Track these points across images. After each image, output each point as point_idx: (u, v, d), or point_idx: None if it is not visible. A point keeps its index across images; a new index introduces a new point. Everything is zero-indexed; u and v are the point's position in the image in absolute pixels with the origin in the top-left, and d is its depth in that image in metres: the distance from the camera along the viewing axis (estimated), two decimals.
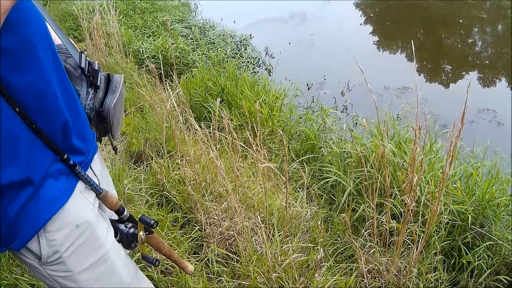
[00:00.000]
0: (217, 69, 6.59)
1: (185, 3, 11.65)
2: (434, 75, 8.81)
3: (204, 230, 3.61)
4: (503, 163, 4.25)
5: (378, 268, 3.20)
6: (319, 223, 3.33)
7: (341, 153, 4.41)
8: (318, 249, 3.11)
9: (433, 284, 3.30)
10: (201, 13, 11.11)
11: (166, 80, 5.68)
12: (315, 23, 11.04)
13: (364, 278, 3.21)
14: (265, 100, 5.61)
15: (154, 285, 2.30)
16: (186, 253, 3.50)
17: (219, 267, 3.34)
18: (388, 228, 3.18)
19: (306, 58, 9.11)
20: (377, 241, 3.30)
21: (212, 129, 3.55)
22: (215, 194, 3.73)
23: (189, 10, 11.31)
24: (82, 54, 1.70)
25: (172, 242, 3.46)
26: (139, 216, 1.80)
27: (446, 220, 3.39)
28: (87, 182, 1.55)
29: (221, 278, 3.28)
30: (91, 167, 1.67)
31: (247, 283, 3.14)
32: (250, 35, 9.63)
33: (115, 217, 1.79)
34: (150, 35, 8.90)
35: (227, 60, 7.50)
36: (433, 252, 3.33)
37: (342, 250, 3.51)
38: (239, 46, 8.90)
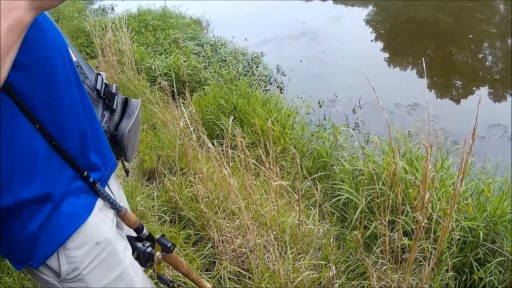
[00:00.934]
0: (229, 86, 6.62)
1: (196, 21, 11.70)
2: (445, 91, 8.79)
3: (217, 247, 3.62)
4: None
5: (390, 285, 3.20)
6: (331, 240, 3.33)
7: (353, 171, 4.42)
8: (330, 266, 3.11)
9: None
10: (212, 31, 11.15)
11: (178, 98, 5.72)
12: (326, 41, 11.04)
13: None
14: (277, 118, 5.63)
15: None
16: (198, 270, 3.51)
17: (232, 284, 3.35)
18: (400, 245, 3.18)
19: (318, 75, 9.11)
20: (389, 258, 3.30)
21: (225, 147, 3.57)
22: (228, 211, 3.74)
23: (201, 28, 11.36)
24: (99, 76, 1.72)
25: (185, 259, 3.47)
26: (157, 237, 1.82)
27: (458, 237, 3.38)
28: (107, 199, 1.56)
29: None
30: (108, 185, 1.69)
31: None
32: (262, 52, 9.67)
33: (133, 233, 1.81)
34: (162, 52, 8.95)
35: (239, 78, 7.52)
36: (445, 268, 3.33)
37: (354, 268, 3.50)
38: (250, 63, 8.91)
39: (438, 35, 11.37)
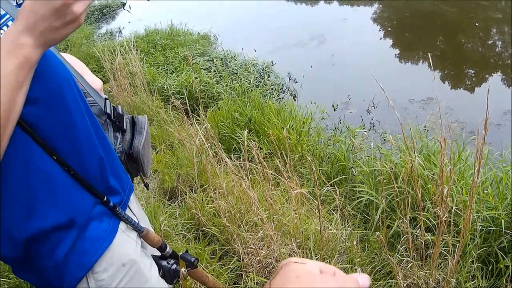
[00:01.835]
0: (243, 99, 6.64)
1: (204, 36, 11.71)
2: (458, 82, 8.77)
3: (242, 260, 3.64)
4: None
5: (416, 282, 3.21)
6: (355, 243, 3.36)
7: (371, 172, 4.43)
8: (356, 268, 3.13)
9: None
10: (221, 45, 11.15)
11: (193, 115, 5.75)
12: (335, 43, 11.03)
13: None
14: (292, 126, 5.65)
15: None
16: (226, 284, 3.54)
17: None
18: (423, 241, 3.19)
19: (329, 79, 9.11)
20: (414, 255, 3.31)
21: (242, 160, 3.60)
22: (251, 223, 3.77)
23: (209, 43, 11.36)
24: (107, 100, 1.77)
25: (212, 274, 3.50)
26: (180, 253, 1.86)
27: (480, 227, 3.39)
28: (128, 222, 1.62)
29: None
30: (129, 207, 1.74)
31: None
32: (272, 62, 9.66)
33: (157, 253, 1.85)
34: (173, 71, 8.99)
35: (251, 90, 7.52)
36: (470, 260, 3.32)
37: (380, 268, 3.50)
38: (262, 74, 8.92)
39: (446, 26, 11.36)
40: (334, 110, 7.52)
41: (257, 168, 3.70)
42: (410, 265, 3.28)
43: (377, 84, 2.99)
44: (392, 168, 4.05)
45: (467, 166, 4.23)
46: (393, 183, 3.29)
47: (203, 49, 10.30)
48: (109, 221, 1.53)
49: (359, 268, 3.01)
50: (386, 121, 6.72)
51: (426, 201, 3.71)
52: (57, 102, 1.34)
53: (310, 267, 0.71)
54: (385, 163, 3.94)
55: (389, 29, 12.45)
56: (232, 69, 8.96)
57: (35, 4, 1.11)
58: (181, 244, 3.91)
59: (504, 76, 8.59)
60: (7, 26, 1.29)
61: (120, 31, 14.32)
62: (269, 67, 9.35)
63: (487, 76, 8.83)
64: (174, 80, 8.20)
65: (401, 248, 3.41)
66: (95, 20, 16.35)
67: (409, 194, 3.25)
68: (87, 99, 1.63)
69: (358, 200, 4.24)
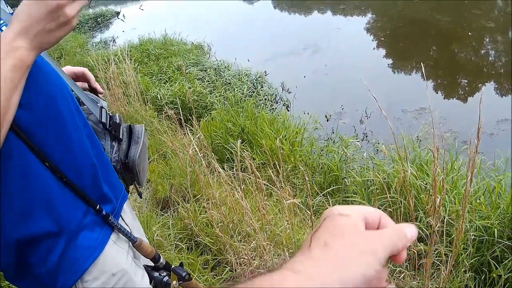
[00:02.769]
0: (236, 109, 6.65)
1: (198, 46, 11.75)
2: (451, 91, 8.78)
3: (235, 270, 3.63)
4: None
5: None
6: None
7: (364, 182, 4.43)
8: None
9: None
10: (215, 54, 11.18)
11: (186, 125, 5.75)
12: (328, 53, 11.09)
13: None
14: (285, 136, 5.65)
15: None
16: None
17: None
18: (416, 251, 3.19)
19: (322, 89, 9.13)
20: (406, 265, 3.31)
21: (236, 170, 3.60)
22: (243, 234, 3.76)
23: (203, 52, 11.40)
24: (103, 109, 1.76)
25: (204, 285, 3.49)
26: (173, 266, 1.86)
27: (473, 237, 3.39)
28: (121, 231, 1.61)
29: None
30: (121, 217, 1.73)
31: None
32: (265, 72, 9.68)
33: (150, 263, 1.84)
34: (166, 80, 9.01)
35: (244, 100, 7.50)
36: (463, 270, 3.32)
37: None
38: (255, 84, 8.92)
39: (439, 35, 11.40)
40: (327, 120, 7.53)
41: (250, 178, 3.69)
42: (402, 275, 3.28)
43: (370, 94, 3.00)
44: (385, 178, 4.05)
45: (460, 176, 4.23)
46: (386, 193, 3.29)
47: (197, 58, 10.33)
48: (100, 230, 1.53)
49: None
50: (379, 131, 6.72)
51: (419, 210, 3.72)
52: (50, 109, 1.34)
53: (356, 221, 0.68)
54: (377, 173, 3.95)
55: (382, 38, 12.50)
56: (226, 79, 8.97)
57: (29, 7, 1.13)
58: (174, 254, 3.90)
59: (497, 85, 8.63)
60: (1, 30, 1.30)
61: (114, 40, 14.37)
62: (262, 77, 9.37)
63: (480, 85, 8.86)
64: (168, 89, 8.21)
65: None
66: (89, 29, 16.41)
67: (401, 204, 3.25)
68: (83, 107, 1.64)
69: None
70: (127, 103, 7.35)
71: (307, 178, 2.93)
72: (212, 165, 4.18)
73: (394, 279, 3.24)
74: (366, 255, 0.63)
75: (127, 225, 1.75)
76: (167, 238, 4.18)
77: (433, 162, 2.78)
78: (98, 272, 1.49)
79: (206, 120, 6.66)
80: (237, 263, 3.62)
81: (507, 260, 3.38)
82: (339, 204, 4.31)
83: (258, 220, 3.61)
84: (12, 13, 1.35)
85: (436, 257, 3.21)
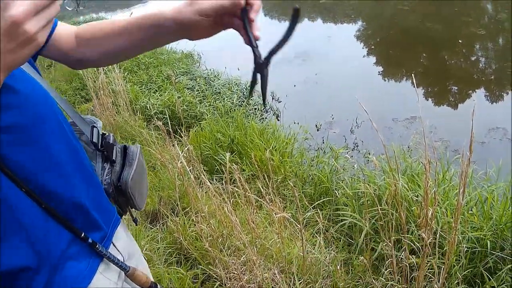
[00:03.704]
0: (225, 119, 6.61)
1: (188, 55, 11.72)
2: (441, 98, 8.78)
3: (225, 284, 3.60)
4: None
5: None
6: (338, 267, 3.33)
7: (355, 194, 4.40)
8: None
9: None
10: (204, 63, 11.15)
11: (175, 136, 5.71)
12: (319, 61, 11.09)
13: None
14: (275, 146, 5.61)
15: None
16: None
17: None
18: (408, 264, 3.16)
19: (313, 98, 9.10)
20: (398, 278, 3.28)
21: (225, 183, 3.57)
22: (233, 248, 3.73)
23: (193, 61, 11.37)
24: (94, 128, 1.69)
25: None
26: None
27: (466, 249, 3.37)
28: (111, 260, 1.51)
29: None
30: (113, 243, 1.63)
31: None
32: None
33: None
34: (156, 90, 8.96)
35: (234, 109, 7.48)
36: (456, 282, 3.30)
37: None
38: (245, 93, 8.86)
39: (429, 43, 11.42)
40: (318, 130, 7.49)
41: (239, 191, 3.66)
42: None
43: (360, 103, 2.97)
44: (376, 190, 4.03)
45: (452, 186, 4.21)
46: (377, 206, 3.26)
47: (187, 67, 10.32)
48: (86, 261, 1.43)
49: None
50: (369, 141, 6.70)
51: (411, 223, 3.69)
52: (30, 130, 1.25)
53: None
54: (368, 185, 3.92)
55: (373, 46, 12.50)
56: (216, 88, 8.94)
57: None
58: (163, 269, 3.87)
59: (487, 93, 8.64)
60: None
61: None
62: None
63: (470, 92, 8.87)
64: (157, 99, 8.17)
65: (385, 272, 3.38)
66: None
67: (393, 216, 3.22)
68: (75, 128, 1.58)
69: (342, 223, 4.20)
70: (116, 112, 7.30)
71: (297, 194, 2.90)
72: (201, 178, 4.15)
73: None
74: None
75: (120, 252, 1.65)
76: (156, 252, 4.13)
77: (425, 175, 2.75)
78: None
79: (195, 131, 6.62)
80: (227, 277, 3.59)
81: (500, 271, 3.37)
82: (329, 216, 4.30)
83: (248, 234, 3.59)
84: None
85: (428, 269, 3.18)
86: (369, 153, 6.13)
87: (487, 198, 3.88)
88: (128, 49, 1.55)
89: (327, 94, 9.22)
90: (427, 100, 8.66)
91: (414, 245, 3.43)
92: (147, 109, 7.81)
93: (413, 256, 3.35)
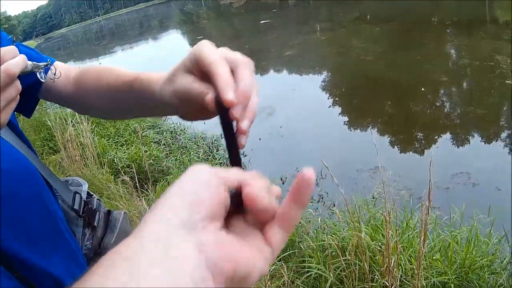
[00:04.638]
0: None
1: None
2: (407, 145, 8.82)
3: None
4: (480, 225, 4.31)
5: None
6: None
7: (320, 246, 4.43)
8: None
9: None
10: (171, 117, 11.16)
11: (142, 190, 5.70)
12: (283, 114, 11.16)
13: None
14: None
15: None
16: None
17: None
18: None
19: (278, 151, 9.21)
20: None
21: None
22: None
23: None
24: (76, 194, 1.66)
25: None
26: None
27: None
28: None
29: None
30: None
31: None
32: (221, 135, 9.58)
33: None
34: (123, 143, 9.01)
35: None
36: None
37: None
38: (211, 147, 8.96)
39: (393, 92, 11.55)
40: (283, 183, 7.47)
41: None
42: None
43: (325, 154, 3.05)
44: (340, 242, 4.06)
45: (416, 233, 4.26)
46: (340, 257, 3.30)
47: (153, 121, 10.34)
48: None
49: None
50: (334, 192, 6.70)
51: (375, 272, 3.72)
52: (4, 200, 1.16)
53: None
54: (332, 236, 3.95)
55: (338, 97, 12.60)
56: (182, 142, 9.00)
57: None
58: None
59: (452, 136, 8.71)
60: None
61: None
62: (218, 140, 9.41)
63: (436, 137, 8.93)
64: (124, 153, 8.20)
65: None
66: None
67: (357, 266, 3.26)
68: (56, 194, 1.54)
69: (307, 274, 4.22)
70: (84, 165, 7.29)
71: None
72: None
73: None
74: None
75: None
76: None
77: (385, 226, 2.81)
78: None
79: (162, 185, 6.62)
80: None
81: None
82: (295, 268, 4.32)
83: None
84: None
85: None
86: (333, 205, 6.15)
87: (450, 243, 3.94)
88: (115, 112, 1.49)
89: (292, 146, 9.30)
90: (393, 147, 8.73)
91: None
92: (115, 163, 7.84)
93: None
